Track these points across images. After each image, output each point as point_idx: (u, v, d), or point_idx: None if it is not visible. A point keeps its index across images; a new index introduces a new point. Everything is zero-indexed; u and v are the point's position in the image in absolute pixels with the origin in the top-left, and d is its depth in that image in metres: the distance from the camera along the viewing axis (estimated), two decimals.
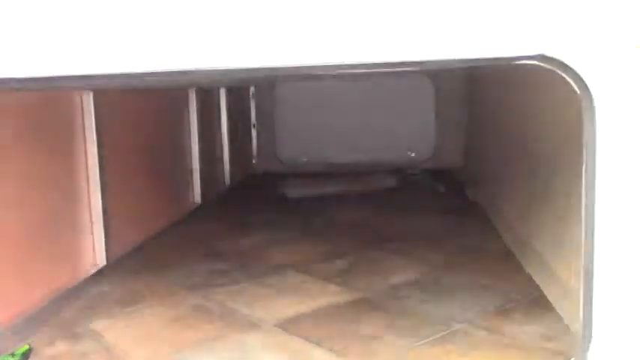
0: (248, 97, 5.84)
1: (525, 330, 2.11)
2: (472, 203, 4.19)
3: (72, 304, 2.46)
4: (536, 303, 2.32)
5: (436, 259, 2.92)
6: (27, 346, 2.04)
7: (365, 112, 5.78)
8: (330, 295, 2.50)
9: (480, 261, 2.87)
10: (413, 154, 5.82)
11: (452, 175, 5.29)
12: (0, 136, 2.14)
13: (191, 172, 4.14)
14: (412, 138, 5.80)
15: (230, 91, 5.03)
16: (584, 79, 1.38)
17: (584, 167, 1.45)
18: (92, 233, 2.75)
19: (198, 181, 4.18)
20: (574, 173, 2.59)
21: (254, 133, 5.93)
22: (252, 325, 2.24)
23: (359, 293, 2.51)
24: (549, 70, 1.43)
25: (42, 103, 2.42)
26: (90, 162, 2.73)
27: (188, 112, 4.12)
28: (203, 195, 4.22)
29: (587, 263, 1.47)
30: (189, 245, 3.35)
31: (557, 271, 2.50)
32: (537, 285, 2.47)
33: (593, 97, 1.38)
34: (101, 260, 2.78)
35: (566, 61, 1.38)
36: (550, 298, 2.34)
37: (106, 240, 2.78)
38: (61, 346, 2.11)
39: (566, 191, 2.63)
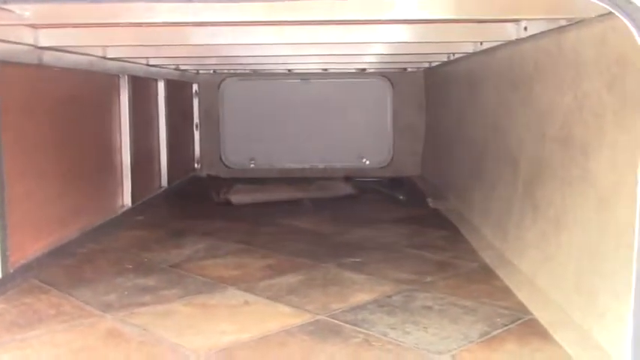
0: (191, 95, 5.35)
1: None
2: (434, 212, 3.81)
3: None
4: (529, 329, 1.92)
5: (402, 276, 2.50)
6: None
7: (318, 115, 5.38)
8: (278, 319, 2.04)
9: (454, 278, 2.47)
10: (368, 162, 5.45)
11: (411, 183, 4.93)
12: None
13: (120, 170, 3.62)
14: (367, 144, 5.44)
15: (170, 85, 4.53)
16: None
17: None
18: None
19: (129, 181, 3.66)
20: (566, 180, 2.24)
21: (197, 133, 5.43)
22: (180, 358, 1.77)
23: (314, 316, 2.06)
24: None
25: None
26: None
27: (119, 102, 3.60)
28: (134, 197, 3.70)
29: None
30: (112, 256, 2.84)
31: (552, 295, 2.12)
32: (527, 309, 2.07)
33: None
34: None
35: None
36: (545, 323, 1.94)
37: (1, 248, 2.25)
38: None
39: (556, 201, 2.26)
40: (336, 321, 2.01)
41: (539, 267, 2.31)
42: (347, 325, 1.97)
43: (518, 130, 2.75)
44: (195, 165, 5.42)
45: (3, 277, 2.27)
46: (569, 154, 2.15)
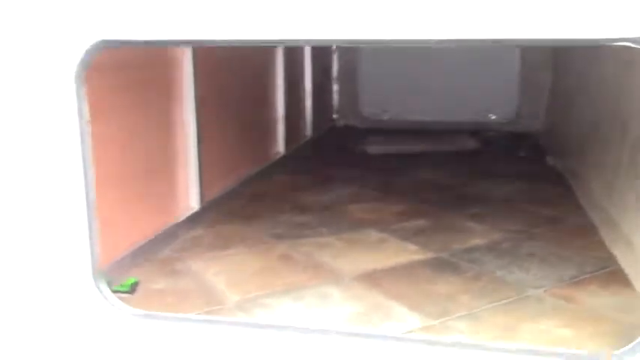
0: (330, 51, 5.90)
1: (599, 301, 2.17)
2: (552, 170, 4.17)
3: (169, 244, 2.69)
4: (613, 277, 2.36)
5: (514, 226, 2.97)
6: (135, 279, 2.27)
7: (449, 72, 5.75)
8: (407, 254, 2.62)
9: (559, 232, 2.91)
10: (494, 117, 5.78)
11: (533, 140, 5.24)
12: (106, 91, 2.30)
13: (275, 122, 4.29)
14: (494, 100, 5.75)
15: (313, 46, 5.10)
16: None
17: None
18: (187, 180, 2.95)
19: (282, 132, 4.33)
20: None
21: (335, 86, 6.01)
22: (335, 277, 2.40)
23: (436, 254, 2.61)
24: None
25: (144, 60, 2.58)
26: (186, 114, 2.91)
27: (274, 65, 4.24)
28: (286, 145, 4.37)
29: None
30: (275, 196, 3.53)
31: None
32: (616, 261, 2.50)
33: None
34: (195, 205, 2.98)
35: None
36: (630, 275, 2.36)
37: (200, 186, 2.97)
38: (164, 283, 2.33)
39: None
40: (453, 259, 2.56)
41: (637, 227, 2.68)
42: (462, 263, 2.51)
43: (630, 99, 3.05)
44: (334, 115, 6.02)
45: (200, 209, 3.00)
46: None
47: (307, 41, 1.80)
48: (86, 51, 1.70)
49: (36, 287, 1.86)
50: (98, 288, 1.85)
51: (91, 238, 1.83)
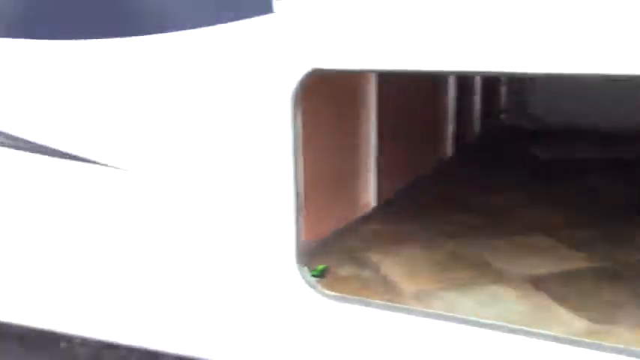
0: None
1: None
2: None
3: (352, 237, 3.03)
4: None
5: None
6: (325, 265, 2.62)
7: None
8: (575, 261, 2.74)
9: None
10: None
11: None
12: (311, 104, 2.64)
13: (446, 124, 4.50)
14: None
15: None
16: None
17: None
18: (367, 179, 3.27)
19: (452, 133, 4.53)
20: None
21: (503, 86, 6.06)
22: (503, 277, 2.59)
23: (604, 263, 2.71)
24: None
25: (338, 75, 2.92)
26: (369, 121, 3.23)
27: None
28: (455, 146, 4.57)
29: None
30: (444, 196, 3.76)
31: None
32: None
33: None
34: (373, 202, 3.30)
35: None
36: None
37: (377, 185, 3.29)
38: (348, 270, 2.67)
39: None
40: (622, 269, 2.64)
41: None
42: (631, 274, 2.60)
43: None
44: (501, 115, 6.08)
45: (377, 206, 3.32)
46: None
47: (497, 73, 2.05)
48: (302, 78, 2.08)
49: (250, 268, 2.28)
50: (300, 271, 2.23)
51: (297, 228, 2.21)
